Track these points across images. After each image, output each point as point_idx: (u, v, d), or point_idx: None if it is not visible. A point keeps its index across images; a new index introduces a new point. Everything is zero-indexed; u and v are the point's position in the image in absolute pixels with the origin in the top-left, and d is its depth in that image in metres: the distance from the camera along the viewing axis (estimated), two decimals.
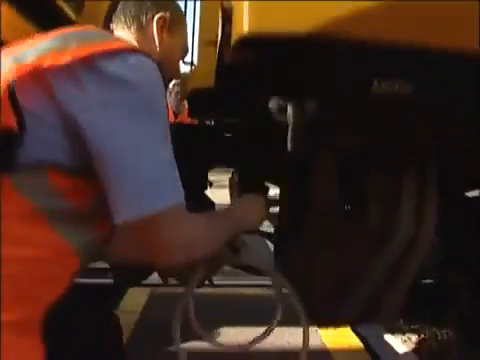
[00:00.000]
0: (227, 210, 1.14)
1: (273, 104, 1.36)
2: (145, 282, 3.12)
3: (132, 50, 0.86)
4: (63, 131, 0.77)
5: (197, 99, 2.03)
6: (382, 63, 0.98)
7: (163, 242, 0.84)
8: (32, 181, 0.77)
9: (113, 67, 0.80)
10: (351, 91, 1.02)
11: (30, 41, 0.87)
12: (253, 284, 3.34)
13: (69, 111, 0.77)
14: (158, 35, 1.03)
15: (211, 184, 2.44)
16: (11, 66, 0.78)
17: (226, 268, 1.29)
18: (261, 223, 1.21)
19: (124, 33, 1.03)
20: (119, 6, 1.06)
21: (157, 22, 1.02)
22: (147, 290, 3.11)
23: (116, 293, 2.91)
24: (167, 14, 1.04)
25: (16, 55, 0.81)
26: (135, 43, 1.01)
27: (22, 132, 0.74)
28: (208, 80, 1.80)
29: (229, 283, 3.35)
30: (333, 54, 0.97)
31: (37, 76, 0.77)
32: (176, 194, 0.83)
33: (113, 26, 1.05)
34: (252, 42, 0.93)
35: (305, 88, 1.15)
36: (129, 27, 1.03)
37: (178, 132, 1.84)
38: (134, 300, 2.98)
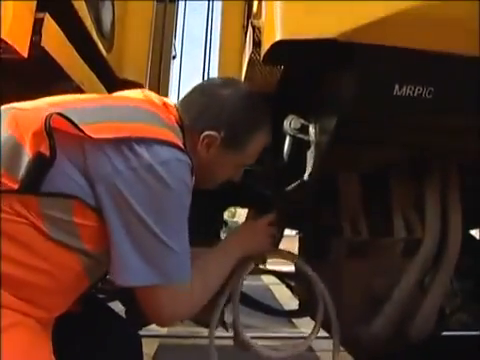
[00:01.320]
0: (227, 241, 1.10)
1: (295, 124, 1.41)
2: (154, 333, 3.03)
3: (170, 143, 0.86)
4: (87, 184, 0.82)
5: None
6: (403, 67, 1.05)
7: (159, 315, 0.91)
8: (55, 212, 0.80)
9: (147, 155, 0.82)
10: (372, 97, 1.07)
11: (76, 99, 0.95)
12: (274, 336, 3.23)
13: (92, 176, 0.82)
14: (201, 150, 0.98)
15: (226, 224, 2.45)
16: (52, 111, 0.82)
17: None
18: (270, 244, 1.17)
19: (184, 118, 0.99)
20: (192, 93, 1.04)
21: (202, 139, 0.98)
22: (156, 341, 3.00)
23: None
24: (220, 134, 0.97)
25: (69, 111, 0.85)
26: (185, 136, 0.97)
27: (52, 159, 0.79)
28: None
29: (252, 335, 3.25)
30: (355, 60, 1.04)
31: (75, 135, 0.82)
32: (172, 276, 0.87)
33: (179, 106, 1.02)
34: (284, 48, 1.00)
35: (328, 100, 1.21)
36: (185, 121, 0.99)
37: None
38: (143, 350, 2.87)
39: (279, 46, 1.01)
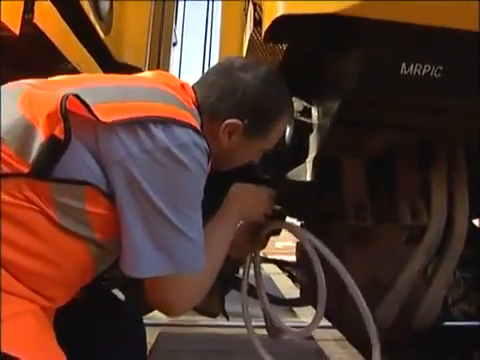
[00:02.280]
0: (225, 207, 1.02)
1: (297, 106, 1.38)
2: (155, 321, 3.02)
3: (188, 125, 0.81)
4: (100, 169, 0.78)
5: None
6: (411, 45, 1.01)
7: (167, 303, 0.87)
8: (66, 199, 0.76)
9: (163, 137, 0.78)
10: (377, 76, 1.03)
11: (91, 78, 0.90)
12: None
13: (104, 160, 0.77)
14: (222, 137, 0.94)
15: None
16: (67, 91, 0.78)
17: None
18: (263, 212, 1.08)
19: (202, 103, 0.94)
20: (211, 75, 0.98)
21: (224, 127, 0.93)
22: (156, 329, 3.00)
23: None
24: (243, 122, 0.93)
25: (81, 90, 0.80)
26: (204, 122, 0.93)
27: (67, 143, 0.75)
28: None
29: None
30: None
31: (88, 119, 0.77)
32: (186, 265, 0.83)
33: (197, 89, 0.96)
34: (286, 24, 0.96)
35: (331, 80, 1.17)
36: (204, 105, 0.94)
37: None
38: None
39: (281, 22, 0.97)
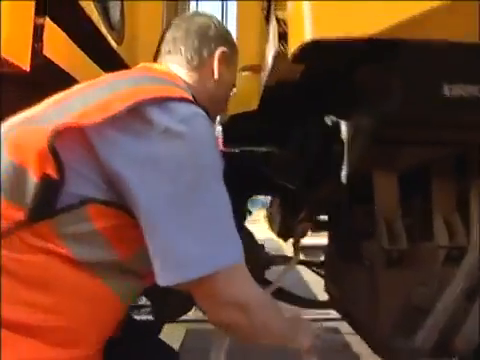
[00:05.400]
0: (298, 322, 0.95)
1: (326, 120, 1.30)
2: (182, 318, 3.04)
3: (183, 99, 0.79)
4: (106, 185, 0.74)
5: (232, 127, 1.99)
6: (452, 65, 0.92)
7: (219, 301, 0.77)
8: (74, 227, 0.72)
9: (162, 117, 0.73)
10: (418, 98, 0.95)
11: (81, 88, 0.85)
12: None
13: (112, 169, 0.72)
14: (218, 70, 0.97)
15: (250, 213, 2.37)
16: (56, 120, 0.74)
17: None
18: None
19: (178, 67, 0.95)
20: (172, 37, 0.98)
21: (219, 56, 0.97)
22: (184, 326, 3.02)
23: (155, 329, 2.86)
24: (227, 48, 0.99)
25: (62, 106, 0.79)
26: (188, 79, 0.94)
27: (62, 182, 0.71)
28: (244, 106, 1.76)
29: None
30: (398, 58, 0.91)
31: (79, 134, 0.73)
32: (229, 253, 0.75)
33: (165, 59, 0.97)
34: (316, 48, 0.88)
35: (366, 99, 1.08)
36: (188, 61, 0.95)
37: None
38: (171, 336, 2.90)
39: (310, 45, 0.88)
